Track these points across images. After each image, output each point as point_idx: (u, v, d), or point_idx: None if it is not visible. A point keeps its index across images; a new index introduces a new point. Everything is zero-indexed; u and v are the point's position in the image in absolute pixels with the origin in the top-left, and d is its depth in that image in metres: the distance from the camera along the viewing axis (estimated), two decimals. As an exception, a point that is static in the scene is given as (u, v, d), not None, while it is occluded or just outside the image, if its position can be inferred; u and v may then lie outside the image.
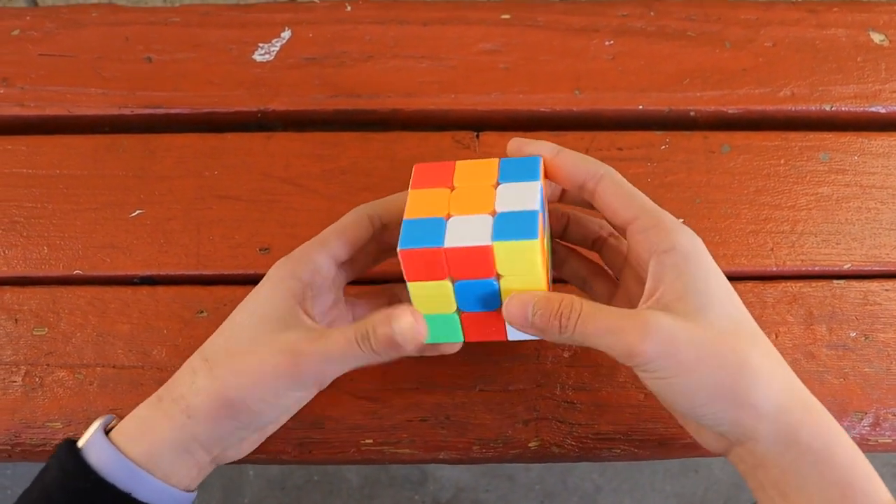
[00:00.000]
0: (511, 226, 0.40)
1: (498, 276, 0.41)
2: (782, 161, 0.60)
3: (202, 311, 0.54)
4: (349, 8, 0.64)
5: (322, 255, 0.45)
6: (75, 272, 0.56)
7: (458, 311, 0.43)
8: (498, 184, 0.42)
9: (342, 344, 0.41)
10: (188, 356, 0.52)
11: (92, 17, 0.64)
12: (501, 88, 0.61)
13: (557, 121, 0.61)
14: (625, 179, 0.44)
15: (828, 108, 0.62)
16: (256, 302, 0.44)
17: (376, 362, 0.42)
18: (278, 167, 0.58)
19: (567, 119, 0.61)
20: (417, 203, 0.42)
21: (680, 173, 0.59)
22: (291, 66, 0.62)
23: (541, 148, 0.44)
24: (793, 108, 0.62)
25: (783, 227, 0.58)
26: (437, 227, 0.41)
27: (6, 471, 1.31)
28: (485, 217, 0.41)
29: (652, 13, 0.64)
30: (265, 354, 0.42)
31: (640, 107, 0.61)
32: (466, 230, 0.40)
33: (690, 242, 0.42)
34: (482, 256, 0.40)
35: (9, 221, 0.57)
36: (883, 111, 0.62)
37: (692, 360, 0.39)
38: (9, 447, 0.52)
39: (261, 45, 0.62)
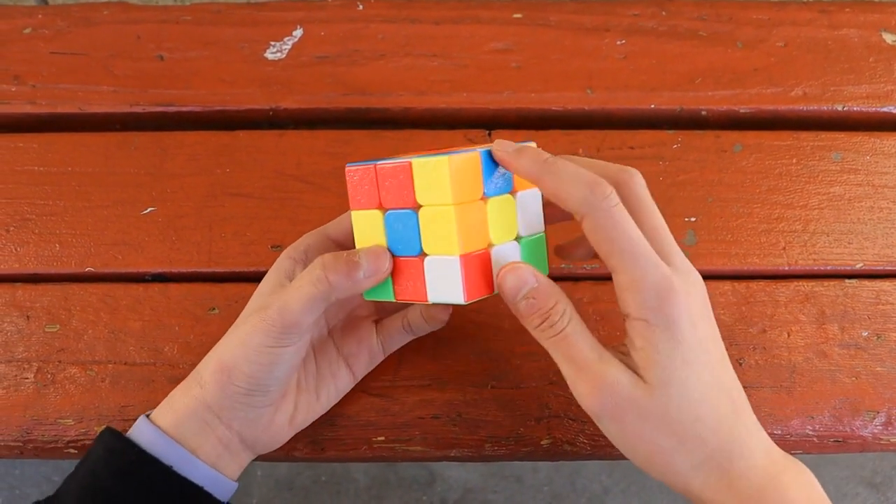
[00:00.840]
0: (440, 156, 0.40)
1: (417, 207, 0.41)
2: (794, 160, 0.60)
3: (214, 309, 0.54)
4: (361, 6, 0.64)
5: (314, 236, 0.48)
6: (87, 269, 0.56)
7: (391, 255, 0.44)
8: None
9: (297, 283, 0.43)
10: (200, 353, 0.52)
11: (104, 15, 0.64)
12: (513, 87, 0.61)
13: (569, 120, 0.61)
14: (612, 216, 0.39)
15: (840, 108, 0.62)
16: (258, 289, 0.47)
17: (336, 299, 0.43)
18: (290, 165, 0.59)
19: (579, 118, 0.61)
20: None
21: (692, 172, 0.59)
22: (303, 65, 0.62)
23: (528, 164, 0.41)
24: (805, 108, 0.61)
25: (795, 227, 0.58)
26: (382, 160, 0.43)
27: (14, 470, 1.31)
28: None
29: (664, 13, 0.64)
30: (248, 318, 0.45)
31: (652, 106, 0.61)
32: (401, 160, 0.42)
33: (660, 313, 0.39)
34: (403, 175, 0.41)
35: (21, 219, 0.57)
36: (895, 111, 0.62)
37: (633, 431, 0.40)
38: (20, 444, 0.52)
39: (273, 43, 0.63)
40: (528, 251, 0.44)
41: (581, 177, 0.39)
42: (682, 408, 0.40)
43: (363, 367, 0.51)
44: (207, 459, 0.45)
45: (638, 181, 0.41)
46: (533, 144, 0.42)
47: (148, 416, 0.46)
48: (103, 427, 0.46)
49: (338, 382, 0.50)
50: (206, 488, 0.45)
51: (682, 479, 0.41)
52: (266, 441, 0.48)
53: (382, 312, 0.52)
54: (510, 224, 0.43)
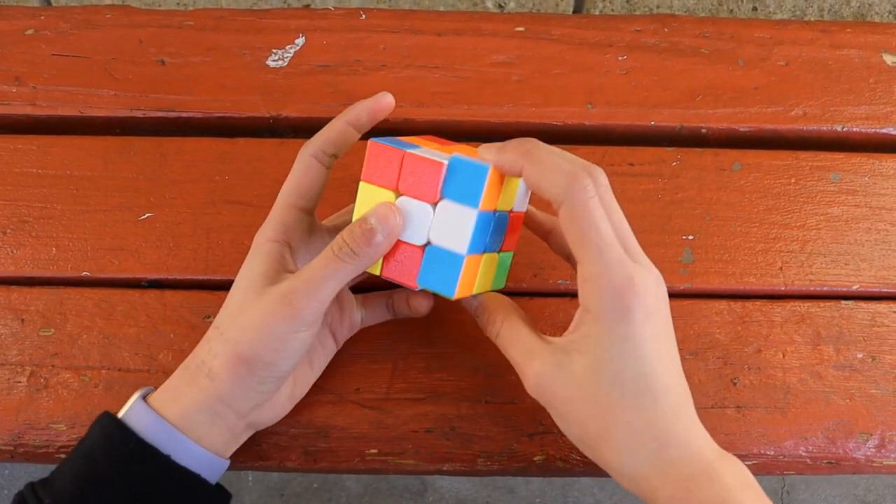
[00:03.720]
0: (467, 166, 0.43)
1: (437, 202, 0.43)
2: (793, 180, 0.60)
3: (209, 316, 0.54)
4: (364, 16, 0.64)
5: (285, 212, 0.48)
6: (83, 274, 0.56)
7: None
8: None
9: (322, 262, 0.44)
10: (195, 361, 0.52)
11: (106, 18, 0.64)
12: (514, 101, 0.61)
13: (569, 134, 0.61)
14: (589, 207, 0.41)
15: (839, 129, 0.62)
16: (245, 271, 0.47)
17: (359, 272, 0.44)
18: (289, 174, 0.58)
19: (579, 133, 0.61)
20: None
21: (690, 190, 0.59)
22: (305, 73, 0.62)
23: (511, 160, 0.43)
24: (804, 128, 0.62)
25: (792, 247, 0.58)
26: (409, 146, 0.44)
27: (4, 471, 1.31)
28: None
29: (666, 29, 0.64)
30: (263, 304, 0.44)
31: (653, 122, 0.61)
32: (434, 155, 0.43)
33: (613, 310, 0.41)
34: (433, 172, 0.43)
35: (18, 221, 0.57)
36: (894, 133, 0.62)
37: (566, 414, 0.44)
38: (11, 447, 0.52)
39: (274, 50, 0.63)
40: (500, 262, 0.48)
41: (562, 166, 0.42)
42: (609, 397, 0.42)
43: (344, 334, 0.52)
44: (211, 447, 0.46)
45: (605, 179, 0.43)
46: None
47: (144, 397, 0.46)
48: (102, 413, 0.46)
49: (326, 350, 0.51)
50: (202, 474, 0.45)
51: (611, 465, 0.43)
52: (268, 418, 0.49)
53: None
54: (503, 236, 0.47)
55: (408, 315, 0.52)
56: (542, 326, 0.54)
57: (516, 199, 0.46)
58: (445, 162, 0.42)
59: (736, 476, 0.41)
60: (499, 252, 0.47)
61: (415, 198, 0.43)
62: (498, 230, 0.46)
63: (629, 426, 0.42)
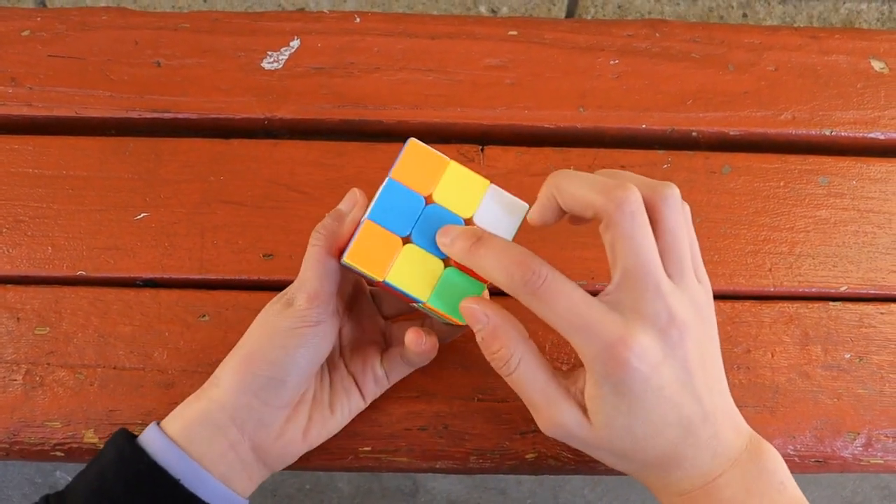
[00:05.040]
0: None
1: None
2: (782, 183, 0.60)
3: (204, 316, 0.55)
4: (358, 19, 0.64)
5: (321, 276, 0.46)
6: (79, 273, 0.56)
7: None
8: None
9: (304, 260, 0.46)
10: (190, 359, 0.53)
11: (102, 20, 0.64)
12: (507, 103, 0.62)
13: (561, 137, 0.62)
14: (542, 290, 0.40)
15: (828, 133, 0.62)
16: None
17: (336, 253, 0.46)
18: (284, 174, 0.59)
19: (571, 136, 0.62)
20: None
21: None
22: (299, 75, 0.62)
23: (457, 253, 0.44)
24: (793, 132, 0.62)
25: (781, 249, 0.58)
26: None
27: (-4, 471, 1.31)
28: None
29: (657, 34, 0.65)
30: (273, 327, 0.46)
31: (644, 126, 0.62)
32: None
33: (614, 377, 0.40)
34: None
35: (14, 220, 0.57)
36: (882, 137, 0.63)
37: (588, 451, 0.45)
38: (7, 445, 0.52)
39: (269, 53, 0.63)
40: (446, 279, 0.45)
41: (505, 260, 0.41)
42: (626, 446, 0.42)
43: (370, 389, 0.51)
44: (216, 471, 0.45)
45: (631, 205, 0.40)
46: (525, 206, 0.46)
47: (158, 423, 0.46)
48: (119, 429, 0.47)
49: (351, 400, 0.50)
50: (206, 499, 0.44)
51: (631, 474, 0.46)
52: (277, 454, 0.47)
53: (389, 341, 0.52)
54: None
55: (418, 359, 0.50)
56: (544, 331, 0.54)
57: (482, 211, 0.45)
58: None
59: (743, 485, 0.42)
60: (444, 262, 0.45)
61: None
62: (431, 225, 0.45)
63: (634, 461, 0.44)
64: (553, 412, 0.43)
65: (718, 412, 0.43)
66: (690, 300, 0.41)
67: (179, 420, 0.46)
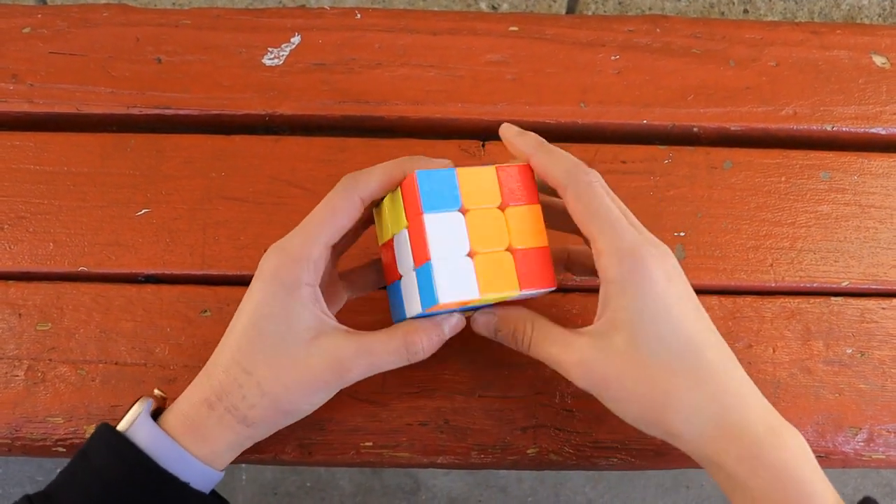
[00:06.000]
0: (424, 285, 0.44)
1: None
2: (783, 179, 0.60)
3: (206, 311, 0.55)
4: (359, 15, 0.64)
5: (323, 251, 0.45)
6: (80, 269, 0.56)
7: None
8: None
9: (389, 354, 0.45)
10: (191, 355, 0.53)
11: (103, 16, 0.64)
12: (508, 99, 0.62)
13: (562, 132, 0.62)
14: (594, 187, 0.44)
15: (829, 128, 0.62)
16: (276, 308, 0.45)
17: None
18: (285, 170, 0.59)
19: (572, 131, 0.62)
20: (388, 266, 0.48)
21: (682, 188, 0.59)
22: (300, 71, 0.62)
23: (525, 143, 0.46)
24: (794, 127, 0.62)
25: (783, 244, 0.58)
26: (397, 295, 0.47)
27: (-2, 469, 1.31)
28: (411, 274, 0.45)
29: (658, 30, 0.65)
30: (312, 369, 0.44)
31: (645, 121, 0.62)
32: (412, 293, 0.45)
33: (635, 273, 0.42)
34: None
35: (15, 217, 0.57)
36: (883, 132, 0.63)
37: (621, 393, 0.43)
38: (9, 441, 0.52)
39: (271, 49, 0.63)
40: None
41: (567, 156, 0.45)
42: (660, 362, 0.42)
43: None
44: (220, 468, 0.47)
45: (596, 179, 0.45)
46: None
47: (153, 417, 0.46)
48: (101, 426, 0.45)
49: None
50: (199, 485, 0.45)
51: (677, 434, 0.43)
52: None
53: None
54: None
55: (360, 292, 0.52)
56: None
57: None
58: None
59: (802, 446, 0.42)
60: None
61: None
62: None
63: (688, 390, 0.42)
64: (576, 349, 0.44)
65: (735, 360, 0.45)
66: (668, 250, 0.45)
67: (207, 446, 0.45)
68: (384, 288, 0.51)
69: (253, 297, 0.45)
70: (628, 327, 0.42)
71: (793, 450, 0.41)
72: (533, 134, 0.46)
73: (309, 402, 0.46)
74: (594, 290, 0.53)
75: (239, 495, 1.30)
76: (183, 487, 0.44)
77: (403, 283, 0.46)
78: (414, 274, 0.44)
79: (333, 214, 0.45)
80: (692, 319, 0.43)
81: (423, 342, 0.45)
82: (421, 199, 0.43)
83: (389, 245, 0.47)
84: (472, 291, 0.43)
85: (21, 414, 0.52)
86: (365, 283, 0.52)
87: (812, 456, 0.42)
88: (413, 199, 0.43)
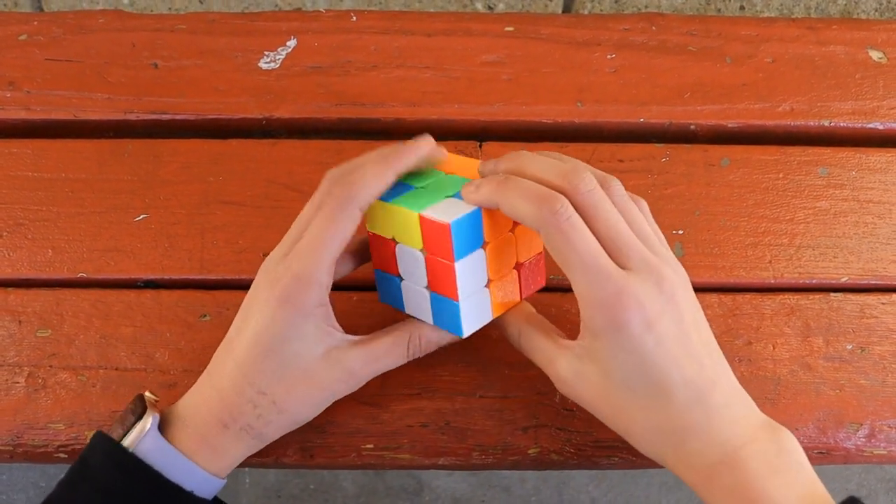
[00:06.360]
0: (444, 314, 0.46)
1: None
2: (781, 175, 0.60)
3: (205, 315, 0.55)
4: (354, 18, 0.64)
5: (330, 268, 0.44)
6: (79, 275, 0.56)
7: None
8: (424, 251, 0.45)
9: (392, 356, 0.47)
10: (191, 359, 0.53)
11: (99, 23, 0.64)
12: (504, 99, 0.62)
13: (559, 132, 0.62)
14: (561, 230, 0.41)
15: (826, 124, 0.62)
16: (290, 331, 0.44)
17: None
18: (282, 174, 0.59)
19: (569, 131, 0.62)
20: (377, 251, 0.48)
21: (680, 185, 0.59)
22: (296, 75, 0.62)
23: (485, 193, 0.43)
24: (792, 123, 0.62)
25: (781, 240, 0.58)
26: (396, 288, 0.48)
27: (2, 476, 1.31)
28: (424, 292, 0.46)
29: (654, 28, 0.65)
30: (325, 383, 0.46)
31: (642, 119, 0.62)
32: (414, 300, 0.47)
33: (611, 325, 0.42)
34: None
35: (14, 223, 0.57)
36: (881, 127, 0.63)
37: (594, 410, 0.46)
38: (11, 447, 0.52)
39: (266, 53, 0.63)
40: None
41: (531, 194, 0.42)
42: (624, 399, 0.44)
43: None
44: (224, 475, 0.47)
45: (587, 185, 0.43)
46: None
47: (160, 429, 0.45)
48: (97, 434, 0.45)
49: None
50: (203, 493, 0.46)
51: (646, 455, 0.46)
52: None
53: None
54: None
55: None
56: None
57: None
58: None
59: (765, 460, 0.42)
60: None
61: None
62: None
63: (646, 424, 0.44)
64: (556, 368, 0.46)
65: (723, 381, 0.44)
66: (672, 268, 0.44)
67: (220, 463, 0.46)
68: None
69: (264, 317, 0.44)
70: (599, 365, 0.44)
71: (752, 468, 0.42)
72: (489, 178, 0.44)
73: (319, 410, 0.48)
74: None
75: (243, 498, 1.30)
76: (188, 496, 0.44)
77: (407, 288, 0.47)
78: (427, 293, 0.46)
79: (337, 230, 0.44)
80: (667, 363, 0.42)
81: (422, 343, 0.48)
82: (454, 249, 0.43)
83: (383, 240, 0.47)
84: (487, 317, 0.47)
85: (22, 421, 0.52)
86: (344, 269, 0.50)
87: (786, 465, 0.42)
88: (444, 245, 0.43)
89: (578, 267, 0.42)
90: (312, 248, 0.44)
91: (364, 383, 0.48)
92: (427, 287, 0.45)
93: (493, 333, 0.54)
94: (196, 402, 0.46)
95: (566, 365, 0.45)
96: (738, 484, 0.42)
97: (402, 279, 0.47)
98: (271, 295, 0.44)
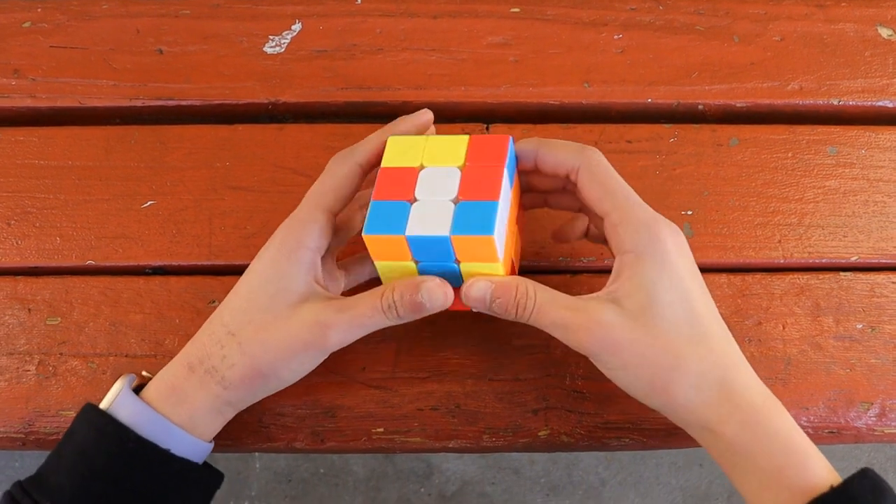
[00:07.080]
0: (471, 218, 0.43)
1: (458, 261, 0.44)
2: (790, 154, 0.60)
3: (214, 301, 0.55)
4: (359, 1, 0.64)
5: (327, 217, 0.47)
6: (88, 262, 0.56)
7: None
8: (465, 165, 0.45)
9: (367, 313, 0.45)
10: (201, 345, 0.52)
11: (103, 9, 0.64)
12: (511, 81, 0.61)
13: (567, 113, 0.61)
14: (604, 165, 0.46)
15: (835, 103, 0.62)
16: (273, 275, 0.46)
17: (394, 324, 0.46)
18: (289, 158, 0.59)
19: (576, 112, 0.61)
20: (386, 183, 0.45)
21: (688, 166, 0.59)
22: (302, 59, 0.62)
23: (528, 142, 0.48)
24: (801, 102, 0.62)
25: (791, 220, 0.58)
26: (401, 211, 0.44)
27: (14, 463, 1.32)
28: (447, 204, 0.44)
29: (661, 7, 0.64)
30: (293, 329, 0.45)
31: (649, 100, 0.61)
32: (429, 216, 0.43)
33: (651, 244, 0.44)
34: (441, 245, 0.43)
35: (22, 212, 0.57)
36: (890, 105, 0.62)
37: (632, 359, 0.44)
38: (23, 435, 0.52)
39: (271, 37, 0.63)
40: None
41: (571, 143, 0.47)
42: (672, 328, 0.43)
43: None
44: (204, 436, 0.47)
45: (600, 157, 0.46)
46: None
47: (135, 389, 0.47)
48: (86, 405, 0.46)
49: None
50: (193, 459, 0.46)
51: (682, 401, 0.44)
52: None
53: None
54: None
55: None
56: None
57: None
58: (448, 234, 0.43)
59: (788, 416, 0.44)
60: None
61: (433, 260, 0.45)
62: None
63: (696, 355, 0.43)
64: (589, 313, 0.44)
65: (733, 338, 0.46)
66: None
67: (185, 408, 0.46)
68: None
69: (254, 265, 0.47)
70: (643, 293, 0.43)
71: (787, 419, 0.44)
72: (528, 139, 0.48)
73: (287, 366, 0.46)
74: (602, 272, 0.53)
75: (254, 483, 1.31)
76: (163, 454, 0.44)
77: (420, 206, 0.44)
78: (452, 205, 0.44)
79: (334, 181, 0.47)
80: (699, 293, 0.45)
81: (395, 297, 0.44)
82: (507, 157, 0.45)
83: (402, 171, 0.46)
84: (501, 253, 0.44)
85: (34, 408, 0.52)
86: (360, 272, 0.53)
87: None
88: (498, 153, 0.45)
89: (621, 194, 0.45)
90: (309, 196, 0.48)
91: (340, 342, 0.45)
92: (454, 199, 0.44)
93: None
94: (174, 358, 0.48)
95: (599, 306, 0.44)
96: (785, 432, 0.43)
97: (415, 201, 0.45)
98: (269, 244, 0.47)
